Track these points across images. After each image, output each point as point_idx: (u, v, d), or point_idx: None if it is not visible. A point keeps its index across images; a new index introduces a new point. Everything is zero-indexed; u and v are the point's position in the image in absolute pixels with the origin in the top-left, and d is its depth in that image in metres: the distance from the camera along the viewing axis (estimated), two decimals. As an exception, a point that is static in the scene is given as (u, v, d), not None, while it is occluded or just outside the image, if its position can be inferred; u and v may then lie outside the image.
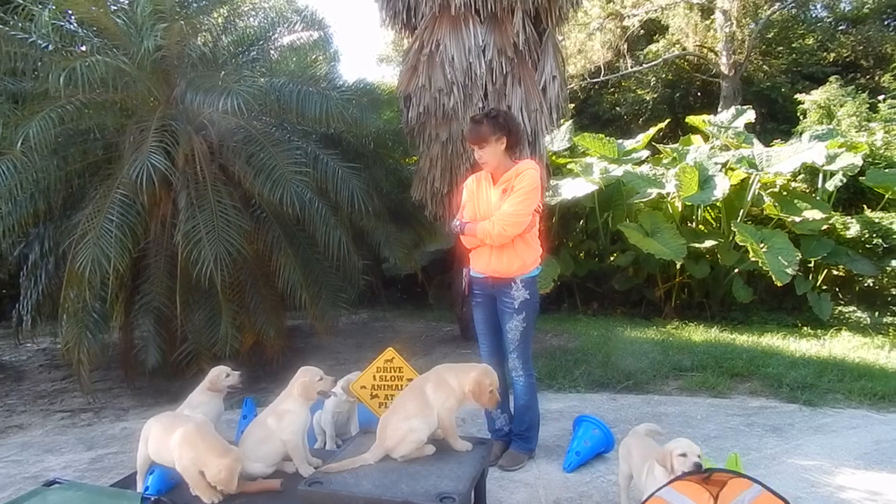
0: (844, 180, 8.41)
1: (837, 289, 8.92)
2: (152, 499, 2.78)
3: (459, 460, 2.84)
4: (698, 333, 7.29)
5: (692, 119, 10.22)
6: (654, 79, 18.21)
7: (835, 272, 8.69)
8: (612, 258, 9.20)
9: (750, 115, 9.69)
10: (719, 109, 13.90)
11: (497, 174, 3.56)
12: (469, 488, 2.65)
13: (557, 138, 9.68)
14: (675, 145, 9.76)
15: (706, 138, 10.08)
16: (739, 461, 2.97)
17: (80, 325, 4.94)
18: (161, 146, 4.80)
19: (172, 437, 2.76)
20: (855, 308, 8.50)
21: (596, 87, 18.48)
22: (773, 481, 3.37)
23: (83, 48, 5.39)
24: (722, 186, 7.94)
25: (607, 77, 17.97)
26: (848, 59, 17.34)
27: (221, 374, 3.44)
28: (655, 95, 17.81)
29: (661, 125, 10.56)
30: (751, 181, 8.22)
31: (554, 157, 9.47)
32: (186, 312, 5.18)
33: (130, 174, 4.61)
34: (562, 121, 8.28)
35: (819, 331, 7.49)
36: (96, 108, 5.16)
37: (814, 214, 7.95)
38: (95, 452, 4.16)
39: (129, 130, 5.09)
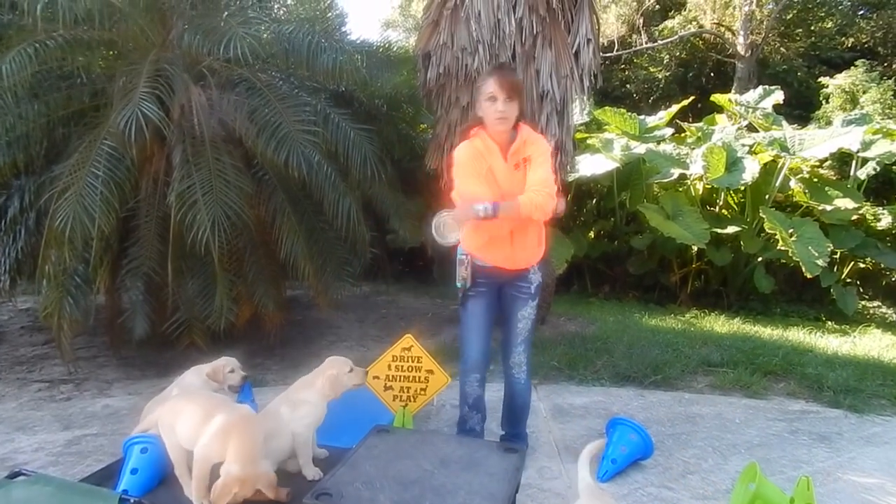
0: (878, 168, 7.98)
1: (859, 282, 8.55)
2: (132, 500, 2.39)
3: (491, 473, 2.46)
4: (720, 324, 6.91)
5: (717, 97, 9.71)
6: (667, 56, 17.61)
7: (861, 265, 8.31)
8: (625, 240, 8.77)
9: (779, 96, 9.16)
10: (733, 91, 13.40)
11: (503, 144, 2.97)
12: (506, 510, 2.27)
13: (575, 111, 9.17)
14: (700, 124, 9.26)
15: (731, 118, 9.60)
16: (812, 487, 2.56)
17: (60, 288, 4.48)
18: (154, 94, 4.26)
19: (212, 423, 2.39)
20: (880, 303, 8.16)
21: (607, 62, 17.80)
22: (832, 502, 3.04)
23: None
24: (751, 170, 7.49)
25: (619, 52, 17.34)
26: (866, 45, 16.80)
27: (226, 369, 3.07)
28: (668, 74, 17.21)
29: (685, 102, 10.01)
30: (780, 166, 7.77)
31: (571, 131, 8.98)
32: (179, 280, 4.73)
33: (119, 123, 4.09)
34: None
35: (845, 326, 7.14)
36: (81, 48, 4.60)
37: (845, 203, 7.53)
38: (72, 433, 3.74)
39: (119, 75, 4.55)
